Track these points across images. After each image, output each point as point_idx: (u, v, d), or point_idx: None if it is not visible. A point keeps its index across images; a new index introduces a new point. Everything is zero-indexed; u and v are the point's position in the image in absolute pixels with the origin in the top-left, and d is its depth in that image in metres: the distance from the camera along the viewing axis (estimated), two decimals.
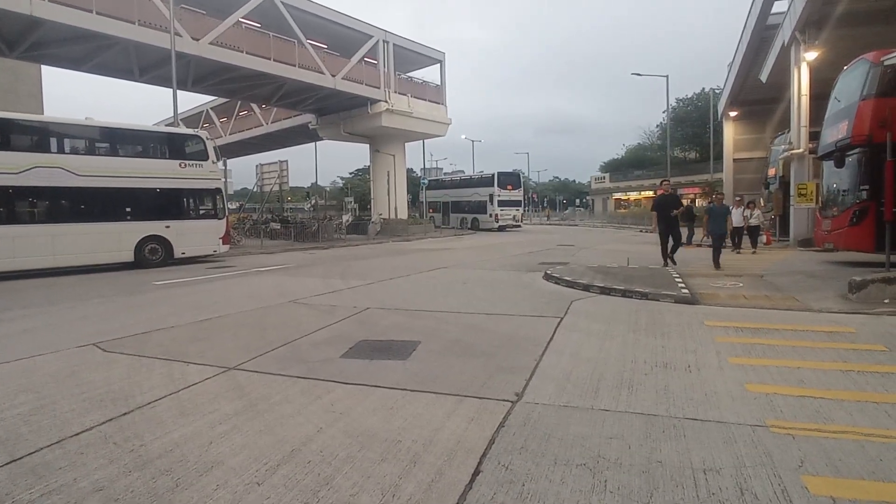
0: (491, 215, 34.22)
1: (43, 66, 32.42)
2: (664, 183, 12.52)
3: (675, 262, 11.66)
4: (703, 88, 54.00)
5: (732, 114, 30.20)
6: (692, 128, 53.39)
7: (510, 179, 35.81)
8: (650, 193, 55.42)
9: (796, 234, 17.16)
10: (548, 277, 10.16)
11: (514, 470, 2.79)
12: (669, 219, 11.42)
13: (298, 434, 3.27)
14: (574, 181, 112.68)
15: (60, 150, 13.95)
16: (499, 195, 34.10)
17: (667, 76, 31.35)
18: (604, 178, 67.49)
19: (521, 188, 38.09)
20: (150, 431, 3.35)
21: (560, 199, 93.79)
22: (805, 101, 16.95)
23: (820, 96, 14.89)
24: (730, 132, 31.18)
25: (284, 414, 3.61)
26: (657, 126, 62.91)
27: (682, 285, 8.61)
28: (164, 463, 2.92)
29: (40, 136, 13.90)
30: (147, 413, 3.67)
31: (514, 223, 35.36)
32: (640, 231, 32.82)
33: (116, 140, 15.17)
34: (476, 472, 2.77)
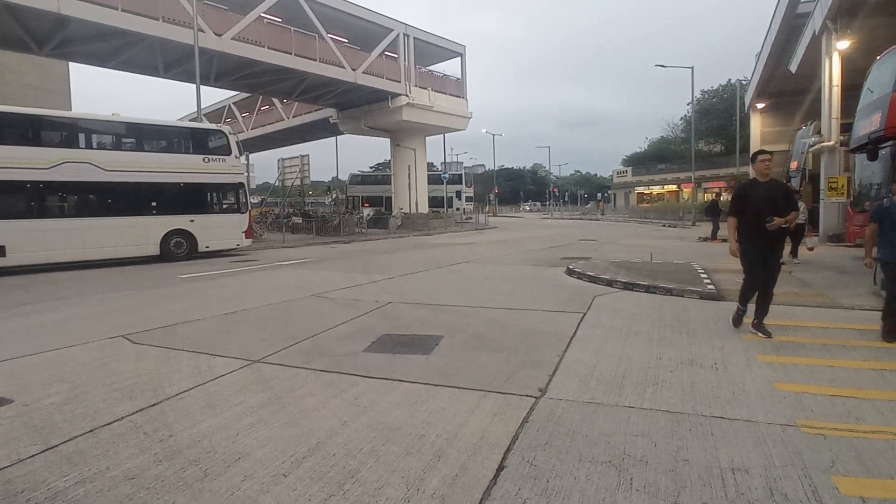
0: (458, 209, 36.87)
1: (70, 63, 33.17)
2: (762, 157, 5.48)
3: (767, 333, 5.35)
4: (730, 80, 52.84)
5: (760, 105, 29.53)
6: (717, 120, 52.34)
7: (469, 179, 41.73)
8: (673, 187, 54.63)
9: (826, 229, 16.74)
10: (570, 272, 10.07)
11: (539, 466, 2.77)
12: (766, 234, 5.21)
13: (323, 427, 3.30)
14: (595, 175, 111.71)
15: (88, 146, 14.27)
16: (466, 192, 36.09)
17: (692, 68, 30.72)
18: (626, 171, 66.62)
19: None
20: (179, 422, 3.41)
21: (581, 193, 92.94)
22: (836, 91, 16.49)
23: (852, 87, 14.45)
24: (757, 124, 30.52)
25: (309, 407, 3.64)
26: (681, 118, 61.85)
27: (708, 281, 8.46)
28: (193, 453, 2.97)
29: (69, 132, 14.22)
30: (175, 404, 3.74)
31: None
32: (664, 225, 32.36)
33: (142, 135, 15.45)
34: (500, 468, 2.76)
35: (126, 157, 14.51)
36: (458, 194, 38.62)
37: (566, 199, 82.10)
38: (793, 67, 21.33)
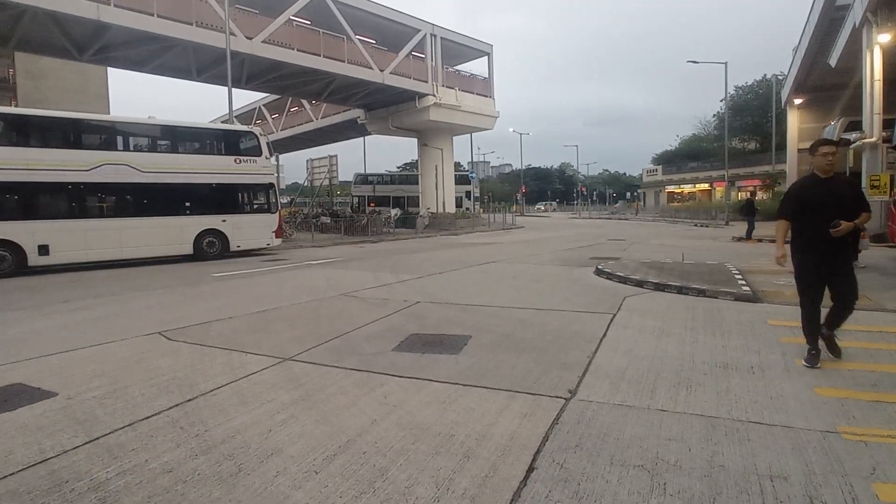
0: (467, 209, 37.52)
1: (109, 68, 34.26)
2: (824, 150, 4.36)
3: (837, 353, 4.57)
4: (765, 75, 51.41)
5: (797, 101, 28.66)
6: (752, 117, 50.97)
7: (474, 181, 43.09)
8: (705, 186, 53.42)
9: (868, 229, 16.13)
10: (599, 272, 9.94)
11: (569, 468, 2.74)
12: (830, 241, 4.32)
13: (353, 425, 3.33)
14: (625, 174, 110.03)
15: (126, 148, 14.74)
16: (475, 192, 36.53)
17: (725, 63, 29.97)
18: (656, 170, 65.42)
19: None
20: (213, 418, 3.49)
21: (610, 192, 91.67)
22: (878, 86, 15.87)
23: (895, 81, 13.88)
24: (794, 121, 29.61)
25: (339, 405, 3.68)
26: (714, 115, 60.39)
27: (743, 282, 8.24)
28: (227, 448, 3.03)
29: (108, 135, 14.72)
30: (210, 400, 3.82)
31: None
32: (696, 225, 31.67)
33: (177, 137, 15.86)
34: (530, 469, 2.74)
35: (161, 159, 14.92)
36: (468, 194, 39.66)
37: (594, 198, 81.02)
38: (832, 61, 20.62)
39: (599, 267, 10.29)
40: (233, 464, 2.85)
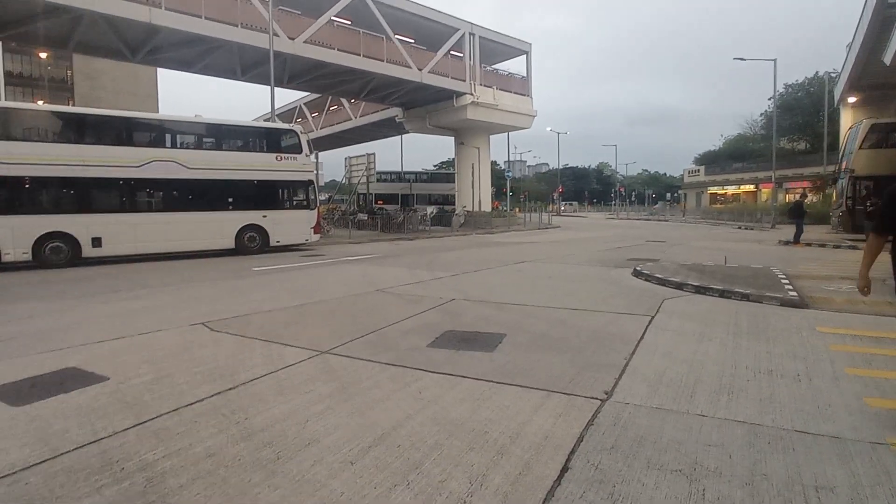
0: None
1: (158, 69, 35.56)
2: None
3: None
4: (817, 72, 49.26)
5: (851, 100, 27.38)
6: (803, 116, 48.95)
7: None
8: (750, 188, 51.65)
9: None
10: (637, 274, 9.75)
11: (605, 470, 2.71)
12: None
13: (388, 419, 3.37)
14: (665, 174, 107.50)
15: (174, 146, 15.28)
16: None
17: (774, 60, 28.85)
18: (698, 170, 63.55)
19: None
20: (253, 406, 3.59)
21: (649, 192, 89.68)
22: None
23: None
24: (848, 120, 28.26)
25: (375, 398, 3.73)
26: (761, 114, 58.28)
27: (790, 287, 7.94)
28: (266, 436, 3.12)
29: (157, 133, 15.30)
30: (250, 389, 3.94)
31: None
32: (739, 228, 30.65)
33: (221, 135, 16.36)
34: (564, 469, 2.72)
35: (206, 156, 15.43)
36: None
37: (633, 198, 79.34)
38: (887, 59, 19.58)
39: (637, 268, 10.09)
40: (272, 451, 2.93)
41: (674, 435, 3.12)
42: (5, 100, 35.11)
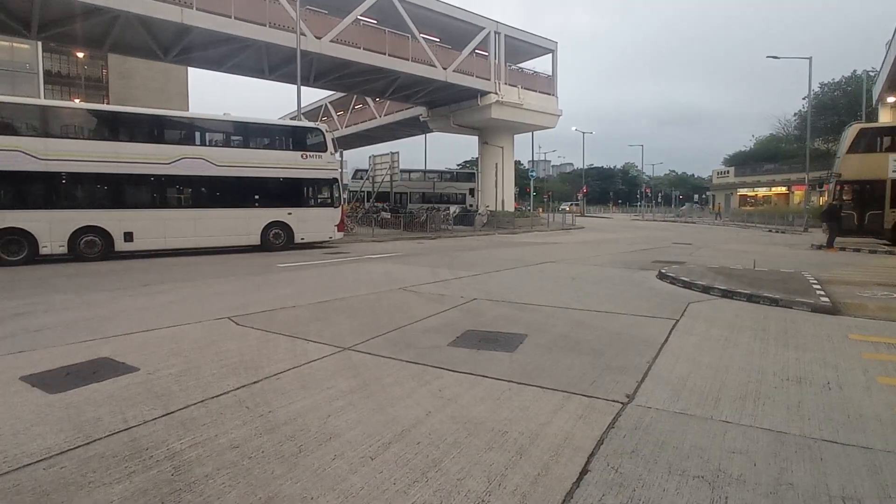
0: (471, 206, 36.16)
1: (189, 68, 36.31)
2: None
3: None
4: (854, 71, 47.80)
5: (891, 99, 26.53)
6: (839, 116, 47.48)
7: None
8: (782, 190, 50.38)
9: None
10: (662, 276, 9.62)
11: (625, 473, 2.69)
12: None
13: (408, 416, 3.40)
14: (693, 175, 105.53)
15: (203, 143, 15.62)
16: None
17: (809, 58, 28.05)
18: (727, 172, 62.21)
19: None
20: (277, 400, 3.66)
21: (676, 193, 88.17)
22: None
23: None
24: (887, 120, 27.37)
25: (395, 395, 3.77)
26: (795, 114, 56.84)
27: (822, 292, 7.73)
28: (289, 430, 3.18)
29: (187, 131, 15.64)
30: (274, 383, 4.01)
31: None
32: (770, 231, 29.94)
33: (248, 133, 16.65)
34: (584, 471, 2.71)
35: (234, 154, 15.72)
36: (472, 191, 39.02)
37: (659, 199, 77.96)
38: None
39: (663, 271, 9.95)
40: (294, 444, 2.98)
41: (697, 441, 3.07)
42: (44, 98, 36.29)
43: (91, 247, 13.37)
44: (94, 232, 13.43)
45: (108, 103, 39.74)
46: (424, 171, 41.47)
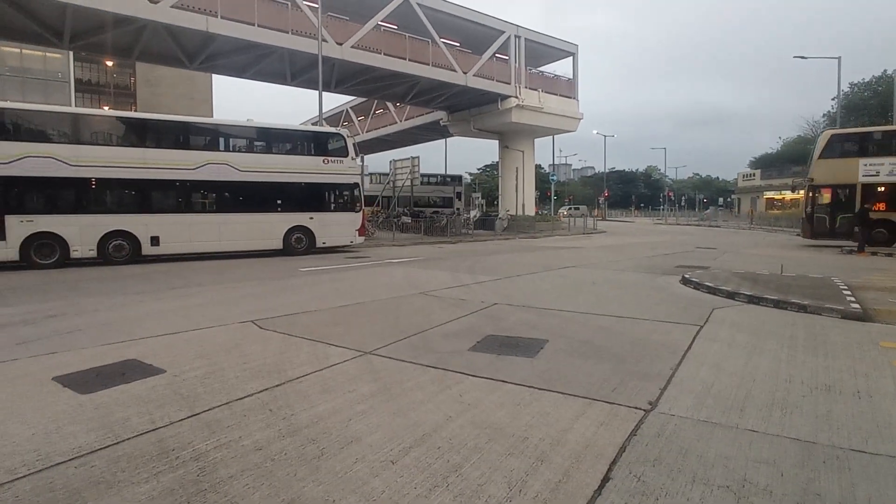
0: (457, 209, 35.56)
1: (213, 75, 37.01)
2: None
3: None
4: (885, 70, 46.51)
5: None
6: (870, 116, 46.16)
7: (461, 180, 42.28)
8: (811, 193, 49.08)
9: None
10: (685, 282, 9.47)
11: (647, 482, 2.66)
12: None
13: (429, 420, 3.41)
14: (717, 178, 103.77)
15: (227, 149, 15.88)
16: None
17: (838, 58, 27.40)
18: (753, 174, 60.98)
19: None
20: (299, 403, 3.71)
21: (700, 197, 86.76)
22: None
23: None
24: None
25: (416, 400, 3.78)
26: (824, 115, 55.32)
27: (852, 298, 7.53)
28: (311, 433, 3.21)
29: (212, 137, 15.95)
30: (296, 386, 4.06)
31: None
32: (798, 234, 29.24)
33: (271, 139, 16.90)
34: (605, 479, 2.69)
35: (257, 159, 15.96)
36: (459, 195, 38.99)
37: (682, 203, 76.77)
38: None
39: (686, 276, 9.80)
40: (316, 447, 3.02)
41: (722, 449, 3.02)
42: (75, 106, 37.34)
43: (119, 251, 13.71)
44: (123, 236, 13.77)
45: (135, 110, 40.73)
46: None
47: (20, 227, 12.62)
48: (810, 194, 19.43)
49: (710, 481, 2.66)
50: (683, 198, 79.04)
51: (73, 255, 13.19)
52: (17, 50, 39.21)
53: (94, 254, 13.43)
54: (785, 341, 5.50)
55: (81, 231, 13.25)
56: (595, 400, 3.78)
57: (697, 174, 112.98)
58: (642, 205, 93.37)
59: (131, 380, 4.17)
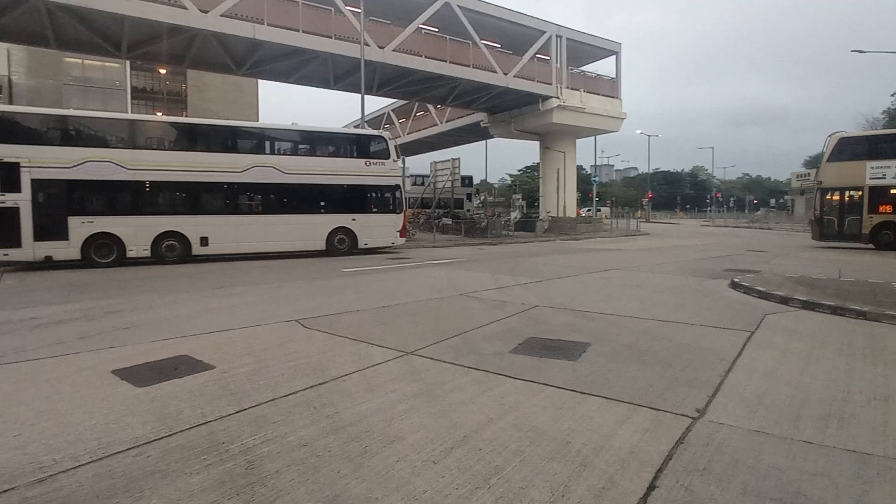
0: (468, 210, 35.47)
1: (259, 80, 38.11)
2: None
3: None
4: None
5: None
6: None
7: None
8: None
9: None
10: (735, 286, 9.15)
11: (695, 492, 2.58)
12: None
13: (470, 421, 3.41)
14: (769, 178, 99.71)
15: (273, 152, 16.33)
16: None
17: None
18: (808, 174, 58.21)
19: None
20: (342, 401, 3.77)
21: (750, 198, 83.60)
22: None
23: None
24: None
25: (457, 401, 3.79)
26: (883, 112, 52.44)
27: None
28: (354, 431, 3.27)
29: (258, 140, 16.42)
30: (339, 385, 4.13)
31: None
32: None
33: (315, 142, 17.28)
34: (651, 487, 2.63)
35: (301, 162, 16.35)
36: (469, 196, 39.13)
37: (731, 204, 74.08)
38: None
39: (736, 280, 9.45)
40: (359, 445, 3.06)
41: (774, 461, 2.91)
42: (131, 112, 39.20)
43: (171, 251, 14.30)
44: (174, 237, 14.36)
45: (186, 115, 42.38)
46: (423, 177, 41.59)
47: (81, 227, 13.34)
48: (819, 197, 19.86)
49: (762, 493, 2.56)
50: (732, 199, 76.33)
51: (129, 254, 13.84)
52: (80, 61, 41.52)
53: (148, 253, 14.06)
54: (843, 349, 5.24)
55: (137, 231, 13.89)
56: (639, 406, 3.69)
57: (747, 174, 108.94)
58: (688, 206, 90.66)
59: (183, 375, 4.35)
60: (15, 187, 12.64)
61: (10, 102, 38.84)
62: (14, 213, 12.64)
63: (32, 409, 3.63)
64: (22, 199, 12.71)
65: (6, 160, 12.59)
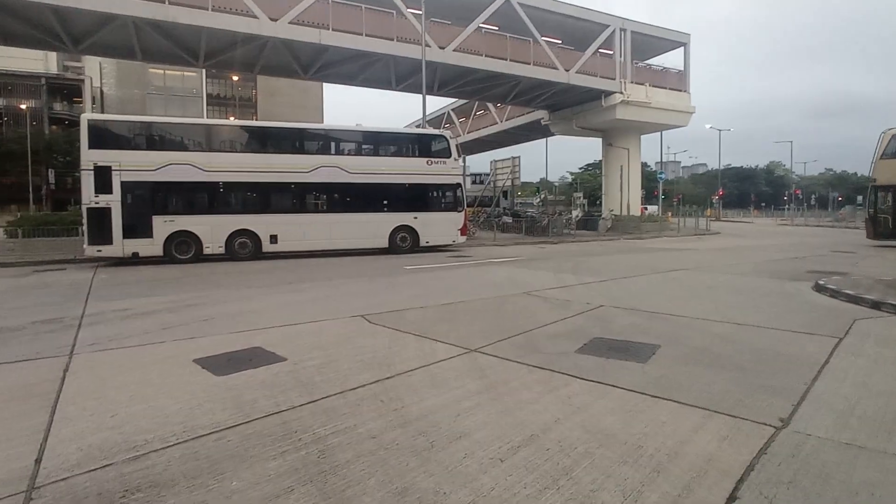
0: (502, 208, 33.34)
1: (325, 84, 39.30)
2: None
3: None
4: None
5: None
6: None
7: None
8: None
9: None
10: (820, 289, 8.54)
11: None
12: None
13: (537, 421, 3.37)
14: (855, 173, 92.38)
15: (337, 152, 16.80)
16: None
17: None
18: None
19: None
20: (408, 396, 3.82)
21: (834, 195, 77.89)
22: None
23: None
24: None
25: (522, 399, 3.75)
26: None
27: None
28: (421, 425, 3.30)
29: (324, 141, 16.95)
30: (405, 380, 4.19)
31: None
32: None
33: (378, 142, 17.65)
34: (731, 498, 2.49)
35: (365, 162, 16.75)
36: (505, 194, 37.28)
37: (812, 202, 69.24)
38: None
39: (820, 282, 8.83)
40: (425, 440, 3.09)
41: (868, 476, 2.69)
42: (207, 117, 41.50)
43: (244, 248, 15.03)
44: (247, 234, 15.08)
45: (257, 119, 44.37)
46: (481, 175, 41.07)
47: (163, 226, 14.27)
48: (873, 195, 19.33)
49: None
50: (813, 196, 71.33)
51: (206, 251, 14.66)
52: (161, 71, 44.44)
53: (222, 250, 14.85)
54: None
55: (213, 230, 14.69)
56: (716, 412, 3.52)
57: (830, 169, 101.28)
58: (763, 204, 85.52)
59: (258, 365, 4.55)
60: (107, 189, 13.70)
61: (102, 111, 42.10)
62: (107, 212, 13.72)
63: (125, 393, 3.92)
64: (113, 200, 13.77)
65: (101, 164, 13.66)
